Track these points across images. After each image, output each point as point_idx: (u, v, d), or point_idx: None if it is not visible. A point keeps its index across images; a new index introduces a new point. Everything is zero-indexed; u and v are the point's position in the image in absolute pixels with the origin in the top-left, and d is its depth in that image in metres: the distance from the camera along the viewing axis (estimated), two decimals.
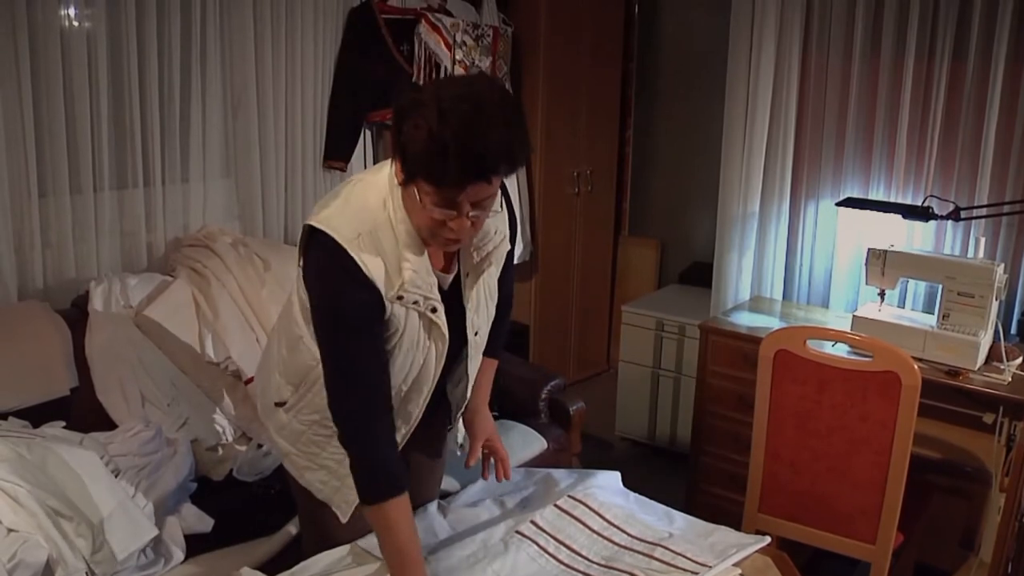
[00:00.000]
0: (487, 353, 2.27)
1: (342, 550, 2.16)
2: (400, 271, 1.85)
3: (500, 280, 2.17)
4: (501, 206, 1.99)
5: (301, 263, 1.92)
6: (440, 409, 2.24)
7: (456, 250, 2.00)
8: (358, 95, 3.93)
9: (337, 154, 3.94)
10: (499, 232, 2.04)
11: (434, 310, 1.93)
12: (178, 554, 2.51)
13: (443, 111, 1.67)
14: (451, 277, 2.02)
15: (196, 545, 2.57)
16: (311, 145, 3.87)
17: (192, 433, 2.95)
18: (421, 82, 4.02)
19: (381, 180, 1.90)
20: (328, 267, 1.84)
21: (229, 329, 3.12)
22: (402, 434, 2.09)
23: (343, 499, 2.09)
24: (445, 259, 2.01)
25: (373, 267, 1.82)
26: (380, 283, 1.84)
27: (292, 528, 2.66)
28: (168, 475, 2.69)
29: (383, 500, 1.91)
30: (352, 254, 1.80)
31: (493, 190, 1.78)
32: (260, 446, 2.98)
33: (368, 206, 1.87)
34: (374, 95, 3.98)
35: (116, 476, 2.53)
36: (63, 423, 2.75)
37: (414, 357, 1.98)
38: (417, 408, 2.08)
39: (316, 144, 3.89)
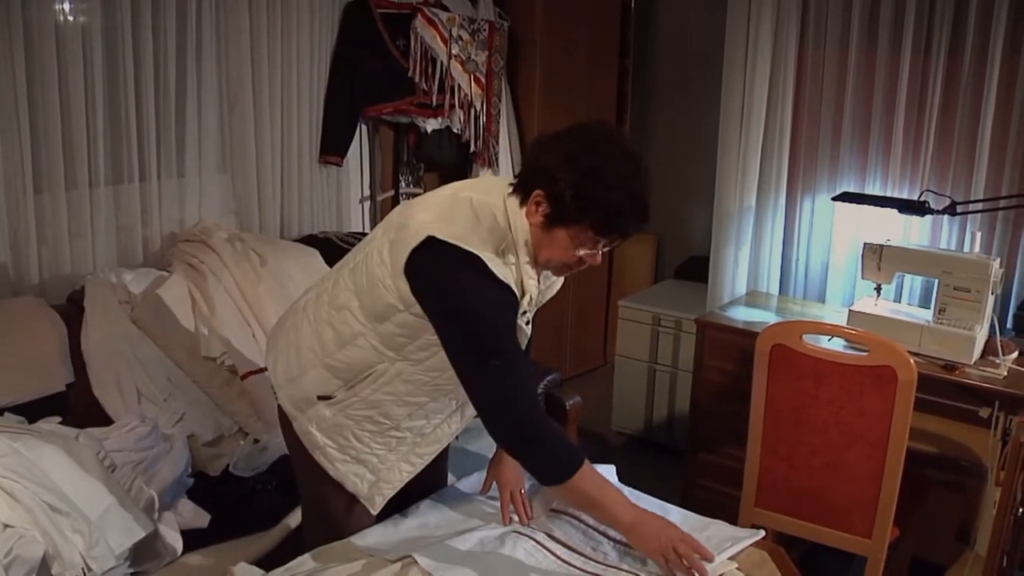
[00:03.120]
0: None
1: (338, 546, 2.16)
2: (524, 287, 1.98)
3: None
4: None
5: (409, 268, 1.93)
6: None
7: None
8: (354, 90, 3.93)
9: (333, 149, 3.94)
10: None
11: (528, 323, 2.08)
12: (175, 549, 2.51)
13: (609, 168, 1.86)
14: None
15: (193, 540, 2.57)
16: (307, 140, 3.87)
17: (188, 428, 2.95)
18: (417, 77, 4.02)
19: (497, 202, 1.98)
20: (467, 272, 1.90)
21: (225, 324, 3.12)
22: (451, 433, 2.22)
23: (378, 492, 2.17)
24: None
25: (506, 279, 1.93)
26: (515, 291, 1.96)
27: (290, 522, 2.66)
28: (164, 470, 2.69)
29: (577, 468, 1.97)
30: (489, 265, 1.90)
31: None
32: (256, 441, 2.98)
33: (497, 229, 1.96)
34: (370, 90, 3.98)
35: (112, 471, 2.53)
36: (59, 419, 2.74)
37: None
38: (472, 410, 2.19)
39: (312, 139, 3.89)
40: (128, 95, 3.24)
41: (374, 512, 2.20)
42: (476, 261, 1.89)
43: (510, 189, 1.99)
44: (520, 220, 1.96)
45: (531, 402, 2.01)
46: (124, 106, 3.24)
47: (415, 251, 1.92)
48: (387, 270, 1.97)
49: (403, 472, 2.18)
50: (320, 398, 2.12)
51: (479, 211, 1.97)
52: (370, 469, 2.15)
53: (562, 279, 2.26)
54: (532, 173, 1.95)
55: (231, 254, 3.30)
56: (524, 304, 1.99)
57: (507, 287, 1.92)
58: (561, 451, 1.99)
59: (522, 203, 1.96)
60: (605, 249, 1.98)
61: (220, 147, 3.63)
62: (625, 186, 1.87)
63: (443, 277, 1.92)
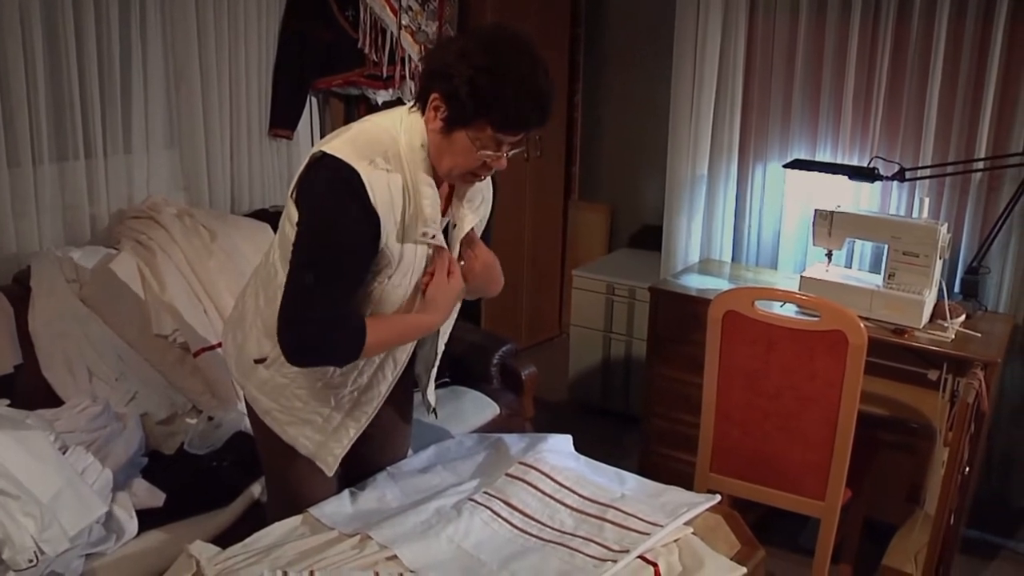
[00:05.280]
0: None
1: (295, 520, 2.17)
2: (417, 207, 1.94)
3: None
4: None
5: (295, 193, 1.96)
6: (409, 366, 2.29)
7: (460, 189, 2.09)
8: (303, 62, 3.87)
9: (283, 122, 3.89)
10: (484, 195, 2.17)
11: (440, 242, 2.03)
12: (130, 529, 2.50)
13: (505, 62, 1.85)
14: (445, 221, 2.08)
15: (148, 520, 2.55)
16: (256, 114, 3.81)
17: (141, 407, 2.93)
18: (367, 48, 3.98)
19: (390, 121, 1.98)
20: (335, 185, 1.88)
21: (176, 301, 3.08)
22: (388, 382, 2.17)
23: (329, 453, 2.18)
24: (444, 202, 2.07)
25: (380, 198, 1.89)
26: (383, 215, 1.90)
27: (253, 491, 2.67)
28: (118, 450, 2.67)
29: (364, 341, 1.95)
30: (363, 178, 1.87)
31: None
32: (211, 418, 2.96)
33: (381, 140, 1.94)
34: (320, 62, 3.93)
35: (64, 453, 2.50)
36: (7, 401, 2.70)
37: (406, 294, 2.03)
38: (404, 354, 2.17)
39: (261, 113, 3.83)
40: (71, 70, 3.16)
41: (329, 474, 2.21)
42: (352, 175, 1.87)
43: (411, 103, 1.98)
44: (414, 129, 1.94)
45: (326, 327, 1.93)
46: (67, 81, 3.17)
47: (304, 171, 1.95)
48: (289, 202, 1.99)
49: (350, 430, 2.18)
50: (256, 362, 2.13)
51: (364, 126, 1.99)
52: (316, 429, 2.15)
53: (490, 202, 2.22)
54: (428, 76, 1.93)
55: (181, 230, 3.25)
56: (421, 226, 1.96)
57: (373, 214, 1.88)
58: (346, 351, 1.97)
59: (423, 112, 1.94)
60: (510, 153, 1.95)
61: (167, 122, 3.56)
62: (522, 79, 1.85)
63: (313, 189, 1.93)
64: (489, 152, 1.91)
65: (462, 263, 2.14)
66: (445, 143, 1.92)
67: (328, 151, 1.90)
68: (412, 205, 1.95)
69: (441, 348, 2.31)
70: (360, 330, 1.95)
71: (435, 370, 2.35)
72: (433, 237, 1.99)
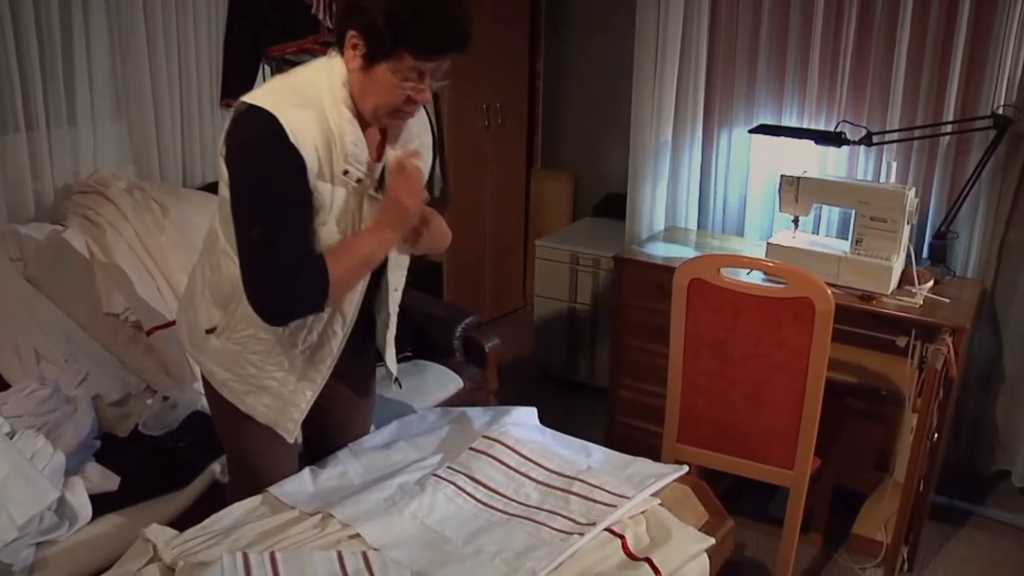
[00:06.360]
0: None
1: (255, 500, 2.15)
2: (340, 146, 1.92)
3: None
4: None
5: (224, 150, 1.94)
6: (369, 335, 2.29)
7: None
8: (255, 29, 3.78)
9: (235, 91, 3.78)
10: (420, 137, 2.14)
11: (377, 188, 2.01)
12: (83, 515, 2.44)
13: None
14: (379, 168, 2.04)
15: (102, 504, 2.50)
16: (207, 83, 3.71)
17: (93, 389, 2.86)
18: (320, 15, 3.89)
19: (312, 69, 1.99)
20: (255, 134, 1.88)
21: (127, 278, 3.00)
22: (339, 338, 2.15)
23: (288, 419, 2.17)
24: (376, 151, 2.05)
25: (301, 138, 1.87)
26: (307, 154, 1.88)
27: (202, 481, 2.62)
28: (69, 433, 2.61)
29: (328, 284, 1.93)
30: (281, 122, 1.86)
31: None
32: (166, 398, 2.89)
33: (299, 86, 1.94)
34: (272, 29, 3.84)
35: (12, 438, 2.43)
36: None
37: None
38: (352, 307, 2.13)
39: (212, 82, 3.73)
40: (7, 39, 3.04)
41: (289, 440, 2.20)
42: (270, 121, 1.85)
43: (331, 50, 1.97)
44: (335, 71, 1.93)
45: (286, 275, 1.92)
46: (3, 52, 3.05)
47: (228, 127, 1.94)
48: (220, 160, 1.98)
49: (307, 392, 2.16)
50: (208, 332, 2.12)
51: (285, 78, 2.01)
52: (273, 395, 2.14)
53: (430, 146, 2.20)
54: (343, 15, 1.92)
55: (131, 205, 3.17)
56: (343, 163, 1.93)
57: (295, 151, 1.86)
58: (313, 293, 1.95)
59: (343, 54, 1.93)
60: (435, 86, 1.95)
61: (113, 93, 3.46)
62: (438, 2, 1.85)
63: (235, 142, 1.92)
64: (411, 83, 1.89)
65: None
66: (367, 81, 1.91)
67: (247, 99, 1.90)
68: (338, 146, 1.93)
69: (394, 307, 2.26)
70: (321, 266, 1.93)
71: (391, 332, 2.30)
72: (359, 181, 1.96)
